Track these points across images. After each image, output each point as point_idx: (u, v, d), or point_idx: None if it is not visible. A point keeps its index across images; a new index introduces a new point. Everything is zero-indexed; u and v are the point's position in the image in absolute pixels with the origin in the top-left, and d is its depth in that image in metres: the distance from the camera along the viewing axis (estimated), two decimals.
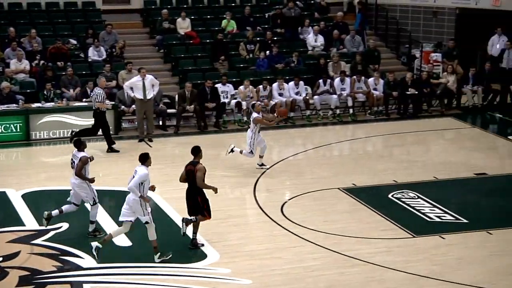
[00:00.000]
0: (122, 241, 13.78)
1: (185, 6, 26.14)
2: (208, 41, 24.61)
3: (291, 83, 22.61)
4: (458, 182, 17.37)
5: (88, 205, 14.30)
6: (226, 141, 20.47)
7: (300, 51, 24.46)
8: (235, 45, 24.48)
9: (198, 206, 13.50)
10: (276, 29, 25.27)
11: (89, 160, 13.90)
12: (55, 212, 14.12)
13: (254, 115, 17.50)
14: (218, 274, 12.70)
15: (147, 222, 12.98)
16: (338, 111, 22.65)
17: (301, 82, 22.73)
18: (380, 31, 26.76)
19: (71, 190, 14.10)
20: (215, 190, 13.47)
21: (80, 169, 13.74)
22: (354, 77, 23.05)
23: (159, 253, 13.08)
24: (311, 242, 13.87)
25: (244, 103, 22.01)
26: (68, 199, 14.16)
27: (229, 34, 24.95)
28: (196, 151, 13.54)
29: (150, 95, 20.10)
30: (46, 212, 14.15)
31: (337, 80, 22.92)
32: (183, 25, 24.83)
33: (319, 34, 24.95)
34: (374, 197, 16.33)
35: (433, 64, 24.65)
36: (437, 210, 15.50)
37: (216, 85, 22.02)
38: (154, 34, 25.03)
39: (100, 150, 19.23)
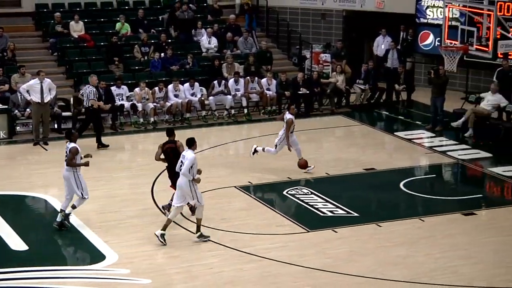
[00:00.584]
0: (18, 245, 13.51)
1: (77, 9, 25.76)
2: (102, 44, 24.33)
3: (186, 85, 22.61)
4: (349, 177, 17.76)
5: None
6: (122, 142, 20.35)
7: (194, 53, 24.48)
8: (130, 47, 24.30)
9: None
10: (171, 31, 25.22)
11: (79, 150, 14.32)
12: (68, 209, 14.36)
13: (288, 116, 17.38)
14: (117, 274, 12.61)
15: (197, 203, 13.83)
16: (233, 111, 22.80)
17: (196, 84, 22.75)
18: (272, 33, 27.07)
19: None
20: None
21: (71, 159, 14.19)
22: (248, 78, 23.24)
23: (200, 233, 13.89)
24: (209, 240, 13.93)
25: (139, 105, 21.87)
26: (66, 195, 14.40)
27: (123, 36, 24.75)
28: (171, 132, 14.75)
29: (47, 98, 19.76)
30: (60, 214, 14.31)
31: (231, 81, 23.06)
32: (77, 28, 24.48)
33: (212, 36, 25.04)
34: (270, 194, 16.54)
35: (323, 65, 25.10)
36: (330, 205, 15.81)
37: (111, 87, 21.80)
38: (47, 38, 24.57)
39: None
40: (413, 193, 16.68)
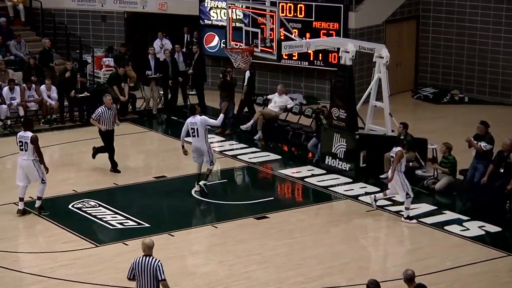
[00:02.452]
0: None
1: None
2: None
3: None
4: (139, 186, 17.77)
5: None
6: None
7: None
8: None
9: None
10: None
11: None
12: (38, 202, 15.81)
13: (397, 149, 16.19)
14: None
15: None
16: (9, 122, 22.02)
17: None
18: (50, 37, 26.44)
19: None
20: None
21: (39, 148, 15.45)
22: (24, 85, 22.53)
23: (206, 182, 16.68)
24: None
25: None
26: (23, 184, 15.61)
27: None
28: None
29: None
30: (36, 206, 15.80)
31: (5, 89, 22.24)
32: None
33: None
34: (54, 209, 16.17)
35: (106, 69, 24.88)
36: (119, 217, 15.74)
37: None
38: None
39: None
40: (205, 199, 16.96)
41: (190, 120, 17.14)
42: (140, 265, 10.60)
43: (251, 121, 21.54)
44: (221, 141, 21.30)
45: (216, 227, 15.51)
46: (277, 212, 16.37)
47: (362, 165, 18.36)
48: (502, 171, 16.27)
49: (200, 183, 17.18)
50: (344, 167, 18.48)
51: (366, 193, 17.28)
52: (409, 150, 17.22)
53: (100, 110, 18.17)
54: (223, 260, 13.97)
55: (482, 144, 16.61)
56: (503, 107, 24.12)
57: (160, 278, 10.55)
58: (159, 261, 10.62)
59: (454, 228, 15.59)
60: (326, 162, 18.82)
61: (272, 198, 17.39)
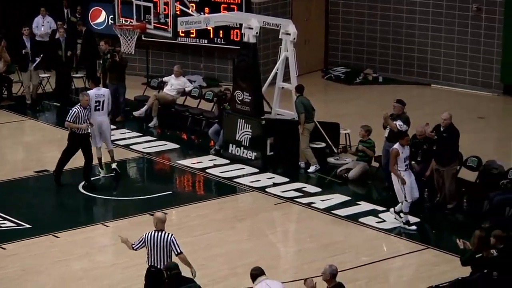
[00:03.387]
0: None
1: None
2: None
3: None
4: (17, 182, 17.40)
5: None
6: None
7: None
8: None
9: None
10: None
11: None
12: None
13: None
14: None
15: None
16: None
17: None
18: None
19: None
20: None
21: None
22: None
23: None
24: None
25: None
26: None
27: None
28: None
29: None
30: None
31: None
32: None
33: None
34: None
35: None
36: None
37: None
38: None
39: None
40: (94, 195, 16.75)
41: (95, 92, 17.22)
42: (152, 240, 11.55)
43: (145, 107, 21.31)
44: (112, 129, 20.94)
45: (108, 226, 15.34)
46: (176, 208, 16.28)
47: (269, 153, 18.37)
48: (419, 159, 16.48)
49: (113, 165, 17.41)
50: (250, 156, 18.45)
51: (274, 184, 17.30)
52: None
53: (75, 110, 16.91)
54: (116, 263, 13.81)
55: (398, 123, 16.77)
56: (420, 87, 24.53)
57: (177, 252, 11.57)
58: (172, 235, 11.58)
59: (370, 220, 15.75)
60: (230, 151, 18.75)
61: (171, 192, 17.27)
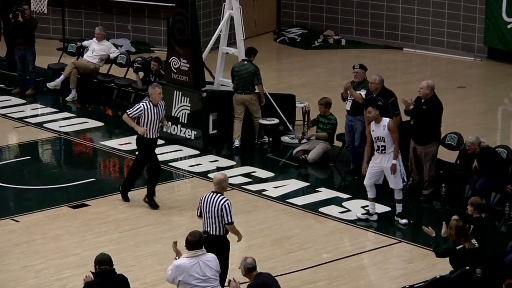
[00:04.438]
0: None
1: None
2: None
3: None
4: None
5: None
6: None
7: None
8: None
9: None
10: None
11: None
12: None
13: None
14: None
15: None
16: None
17: None
18: None
19: None
20: None
21: None
22: None
23: None
24: None
25: None
26: None
27: None
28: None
29: None
30: None
31: None
32: None
33: None
34: None
35: None
36: None
37: None
38: None
39: None
40: (0, 184, 16.66)
41: None
42: (206, 201, 12.35)
43: (61, 76, 21.21)
44: (21, 104, 20.85)
45: (17, 221, 15.26)
46: (100, 198, 16.24)
47: (212, 132, 18.44)
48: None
49: None
50: (189, 135, 18.50)
51: (218, 168, 17.33)
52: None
53: (141, 106, 15.79)
54: (27, 265, 13.74)
55: (363, 92, 16.86)
56: (390, 51, 24.69)
57: (226, 221, 12.25)
58: (226, 200, 12.27)
59: (332, 210, 15.87)
60: (164, 130, 18.74)
61: (93, 179, 17.23)
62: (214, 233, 12.35)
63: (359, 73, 17.20)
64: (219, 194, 12.36)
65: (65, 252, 14.19)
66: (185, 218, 15.55)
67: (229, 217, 12.29)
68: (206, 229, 12.37)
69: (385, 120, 15.19)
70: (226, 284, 11.55)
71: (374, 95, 16.38)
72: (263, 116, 18.40)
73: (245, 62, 18.31)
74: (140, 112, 15.61)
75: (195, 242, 11.03)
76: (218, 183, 12.46)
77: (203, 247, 11.10)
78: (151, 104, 15.65)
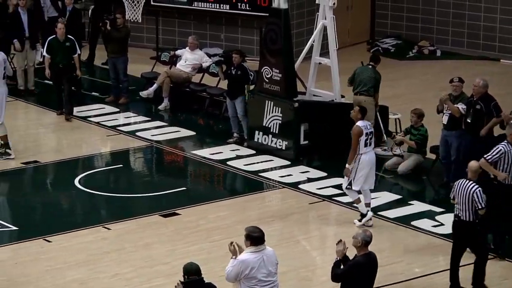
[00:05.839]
0: None
1: None
2: None
3: None
4: (2, 176, 17.54)
5: None
6: None
7: None
8: None
9: None
10: None
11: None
12: None
13: None
14: None
15: None
16: None
17: None
18: None
19: None
20: None
21: None
22: None
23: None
24: None
25: None
26: None
27: None
28: None
29: None
30: None
31: None
32: None
33: None
34: None
35: None
36: None
37: None
38: None
39: None
40: (93, 191, 16.86)
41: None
42: (459, 188, 13.47)
43: (154, 85, 21.40)
44: (114, 113, 21.09)
45: (109, 229, 15.41)
46: (190, 207, 16.35)
47: (304, 142, 18.42)
48: (469, 120, 16.38)
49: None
50: (280, 145, 18.53)
51: (309, 180, 17.33)
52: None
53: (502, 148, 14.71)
54: (118, 273, 13.88)
55: (460, 106, 16.76)
56: (486, 63, 24.45)
57: (479, 207, 13.28)
58: (477, 188, 13.27)
59: (424, 224, 15.75)
60: (256, 139, 18.83)
61: (184, 188, 17.35)
62: (464, 219, 13.32)
63: (458, 87, 17.10)
64: (470, 181, 13.29)
65: (155, 261, 14.30)
66: (274, 229, 15.58)
67: (482, 203, 13.23)
68: (458, 213, 13.41)
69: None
70: None
71: (474, 99, 16.38)
72: None
73: (370, 67, 18.69)
74: (501, 154, 14.52)
75: (260, 238, 11.10)
76: (475, 171, 13.46)
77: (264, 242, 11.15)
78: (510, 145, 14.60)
